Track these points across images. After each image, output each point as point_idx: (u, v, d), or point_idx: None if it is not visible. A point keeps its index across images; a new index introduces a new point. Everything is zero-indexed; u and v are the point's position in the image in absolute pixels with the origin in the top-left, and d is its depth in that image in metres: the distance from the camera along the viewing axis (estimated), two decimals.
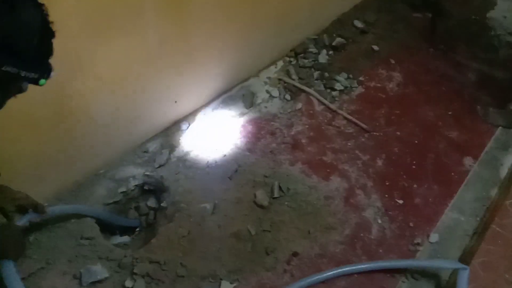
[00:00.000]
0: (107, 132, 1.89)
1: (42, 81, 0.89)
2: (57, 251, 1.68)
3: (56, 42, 0.93)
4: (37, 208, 1.51)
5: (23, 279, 1.49)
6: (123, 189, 1.94)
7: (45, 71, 0.90)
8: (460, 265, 1.70)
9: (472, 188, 2.09)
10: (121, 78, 1.78)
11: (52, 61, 0.93)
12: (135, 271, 1.63)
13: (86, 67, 1.60)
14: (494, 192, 2.07)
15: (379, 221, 1.93)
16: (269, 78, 2.53)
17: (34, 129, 1.57)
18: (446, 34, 2.96)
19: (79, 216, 1.77)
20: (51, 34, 0.91)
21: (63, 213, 1.73)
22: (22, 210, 1.49)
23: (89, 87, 1.67)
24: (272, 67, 2.59)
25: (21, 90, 0.91)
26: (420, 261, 1.81)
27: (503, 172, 2.16)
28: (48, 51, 0.92)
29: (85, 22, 1.48)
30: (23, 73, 0.84)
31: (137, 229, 1.97)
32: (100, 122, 1.82)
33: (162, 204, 1.92)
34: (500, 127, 2.38)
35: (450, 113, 2.45)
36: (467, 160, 2.21)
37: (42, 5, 0.88)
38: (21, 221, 1.50)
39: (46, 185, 1.78)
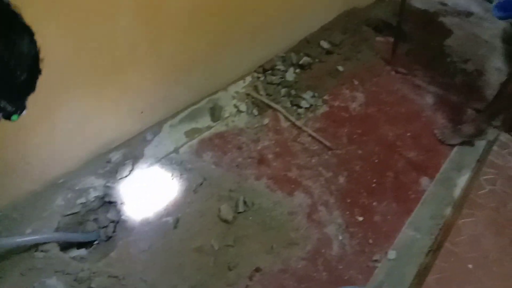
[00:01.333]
0: (69, 140, 1.83)
1: (15, 116, 0.87)
2: (9, 263, 1.61)
3: None
4: None
5: None
6: (82, 200, 1.88)
7: (21, 107, 0.88)
8: None
9: (427, 207, 2.17)
10: (87, 85, 1.74)
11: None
12: (92, 285, 1.59)
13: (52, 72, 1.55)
14: (448, 211, 2.16)
15: (340, 238, 1.97)
16: (237, 92, 2.55)
17: None
18: (407, 57, 3.10)
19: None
20: (39, 71, 0.90)
21: (16, 246, 1.62)
22: None
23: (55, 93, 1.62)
24: (241, 82, 2.61)
25: None
26: None
27: (457, 192, 2.26)
28: (31, 87, 0.90)
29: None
30: (2, 104, 0.82)
31: (96, 242, 1.91)
32: (63, 129, 1.76)
33: (122, 217, 1.88)
34: (455, 149, 2.49)
35: (408, 134, 2.55)
36: (424, 180, 2.30)
37: (35, 41, 0.88)
38: None
39: (1, 193, 1.69)
